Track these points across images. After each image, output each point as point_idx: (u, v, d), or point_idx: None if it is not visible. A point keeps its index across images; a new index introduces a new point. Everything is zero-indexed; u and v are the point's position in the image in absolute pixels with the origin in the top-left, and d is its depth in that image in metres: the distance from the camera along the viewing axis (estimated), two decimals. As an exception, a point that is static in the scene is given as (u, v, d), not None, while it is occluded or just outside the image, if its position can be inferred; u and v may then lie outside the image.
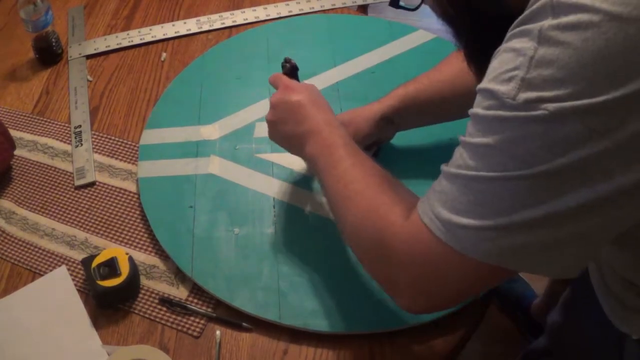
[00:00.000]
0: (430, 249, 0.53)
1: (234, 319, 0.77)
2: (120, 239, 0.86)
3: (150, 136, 0.97)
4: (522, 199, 0.47)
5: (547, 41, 0.45)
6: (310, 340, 0.75)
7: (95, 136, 0.99)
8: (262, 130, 0.97)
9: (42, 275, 0.83)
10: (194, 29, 1.17)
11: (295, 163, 0.93)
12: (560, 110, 0.44)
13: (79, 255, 0.84)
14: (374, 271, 0.63)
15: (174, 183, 0.91)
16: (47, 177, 0.95)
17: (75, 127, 1.01)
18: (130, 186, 0.92)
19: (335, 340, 0.75)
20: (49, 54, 1.11)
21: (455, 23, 0.60)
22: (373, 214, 0.61)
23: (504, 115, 0.47)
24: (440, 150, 0.93)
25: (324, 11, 1.19)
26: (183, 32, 1.16)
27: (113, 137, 0.99)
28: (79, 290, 0.81)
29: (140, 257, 0.84)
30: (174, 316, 0.78)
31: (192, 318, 0.78)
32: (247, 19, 1.18)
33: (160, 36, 1.15)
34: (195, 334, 0.76)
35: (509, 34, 0.49)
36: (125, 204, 0.90)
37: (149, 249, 0.85)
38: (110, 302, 0.79)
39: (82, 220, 0.89)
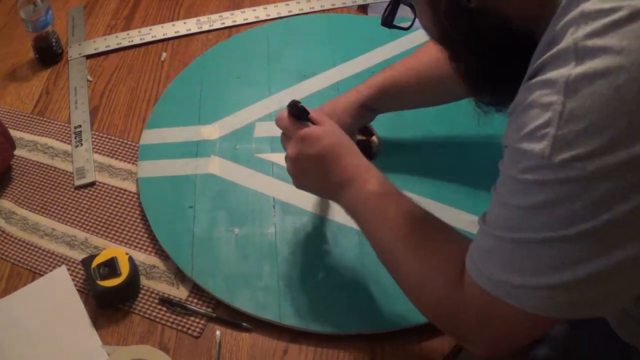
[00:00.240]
0: (490, 307, 0.53)
1: (234, 319, 0.77)
2: (120, 239, 0.86)
3: (150, 136, 0.97)
4: (570, 257, 0.47)
5: (575, 93, 0.43)
6: (310, 340, 0.75)
7: (95, 136, 0.99)
8: (262, 130, 0.97)
9: (42, 275, 0.83)
10: (194, 29, 1.16)
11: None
12: (599, 169, 0.43)
13: (79, 255, 0.84)
14: (439, 326, 0.62)
15: (174, 183, 0.91)
16: (47, 177, 0.94)
17: (75, 127, 1.01)
18: (130, 186, 0.92)
19: (335, 340, 0.75)
20: (49, 54, 1.11)
21: (454, 44, 0.59)
22: (426, 286, 0.60)
23: (541, 179, 0.46)
24: (438, 149, 0.93)
25: (324, 11, 1.19)
26: (183, 32, 1.16)
27: (113, 137, 0.99)
28: (79, 290, 0.81)
29: (140, 257, 0.84)
30: (174, 316, 0.78)
31: (192, 318, 0.78)
32: (247, 19, 1.18)
33: (160, 36, 1.15)
34: (195, 334, 0.76)
35: (529, 83, 0.48)
36: (125, 204, 0.90)
37: (149, 249, 0.85)
38: (110, 302, 0.79)
39: (82, 220, 0.89)
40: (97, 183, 0.93)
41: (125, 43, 1.15)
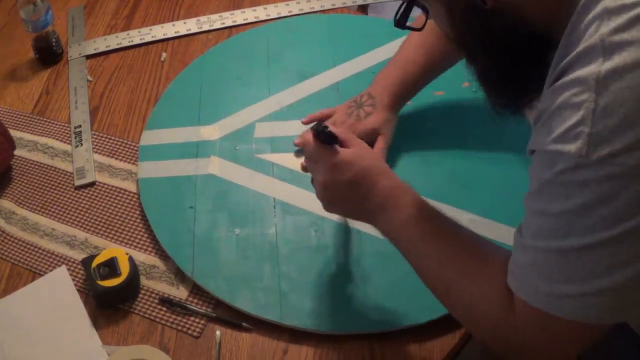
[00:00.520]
0: (543, 323, 0.52)
1: (234, 319, 0.77)
2: (120, 239, 0.86)
3: (150, 136, 0.97)
4: (619, 258, 0.46)
5: (605, 89, 0.43)
6: (310, 340, 0.75)
7: (95, 136, 0.99)
8: (262, 130, 0.97)
9: (42, 275, 0.83)
10: (194, 29, 1.17)
11: (295, 163, 0.93)
12: (639, 162, 0.43)
13: (79, 255, 0.84)
14: (493, 347, 0.60)
15: (174, 183, 0.91)
16: (47, 177, 0.95)
17: (75, 127, 1.01)
18: (130, 186, 0.92)
19: (335, 340, 0.75)
20: (49, 54, 1.11)
21: (470, 45, 0.58)
22: (478, 311, 0.59)
23: (581, 179, 0.45)
24: (439, 149, 0.93)
25: (324, 11, 1.19)
26: (183, 32, 1.16)
27: (113, 137, 0.99)
28: (79, 290, 0.81)
29: (140, 257, 0.84)
30: (174, 316, 0.78)
31: (192, 318, 0.78)
32: (247, 19, 1.18)
33: (160, 36, 1.15)
34: (195, 334, 0.76)
35: (555, 84, 0.47)
36: (125, 204, 0.90)
37: (149, 249, 0.85)
38: (110, 302, 0.79)
39: (82, 220, 0.89)
40: (97, 183, 0.93)
41: (125, 43, 1.15)
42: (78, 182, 0.93)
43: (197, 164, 0.93)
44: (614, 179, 0.44)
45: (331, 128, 0.67)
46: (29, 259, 0.85)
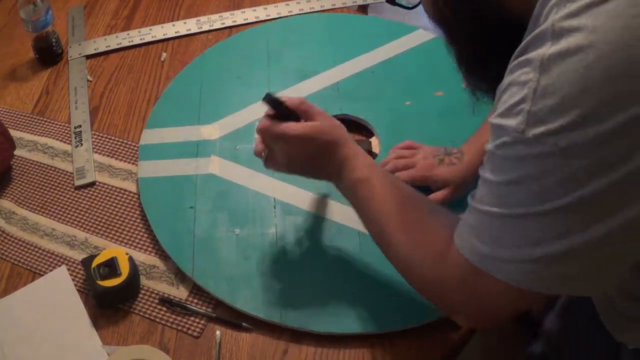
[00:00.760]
0: (474, 280, 0.55)
1: (234, 319, 0.77)
2: (120, 239, 0.86)
3: (150, 136, 0.97)
4: (549, 232, 0.48)
5: (548, 71, 0.45)
6: (310, 340, 0.75)
7: (95, 136, 0.99)
8: (262, 130, 0.97)
9: (42, 275, 0.83)
10: (194, 29, 1.16)
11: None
12: (570, 144, 0.44)
13: (79, 255, 0.84)
14: (427, 297, 0.65)
15: (174, 183, 0.91)
16: (47, 177, 0.94)
17: (75, 127, 1.01)
18: (130, 186, 0.92)
19: (335, 340, 0.75)
20: (49, 54, 1.11)
21: (451, 27, 0.60)
22: (414, 260, 0.63)
23: (517, 153, 0.48)
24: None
25: (324, 11, 1.19)
26: (183, 32, 1.16)
27: (113, 137, 0.99)
28: (79, 290, 0.81)
29: (140, 257, 0.84)
30: (174, 316, 0.78)
31: (192, 318, 0.78)
32: (247, 19, 1.18)
33: (160, 36, 1.15)
34: (195, 334, 0.76)
35: (512, 64, 0.49)
36: (125, 204, 0.90)
37: (149, 249, 0.85)
38: (110, 302, 0.79)
39: (82, 220, 0.89)
40: (97, 183, 0.93)
41: (125, 43, 1.15)
42: (78, 182, 0.93)
43: (197, 163, 0.93)
44: (547, 158, 0.46)
45: (287, 100, 0.72)
46: (29, 259, 0.85)
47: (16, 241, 0.87)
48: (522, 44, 0.48)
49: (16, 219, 0.89)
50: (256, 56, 1.09)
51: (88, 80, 1.09)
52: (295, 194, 0.89)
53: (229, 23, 1.17)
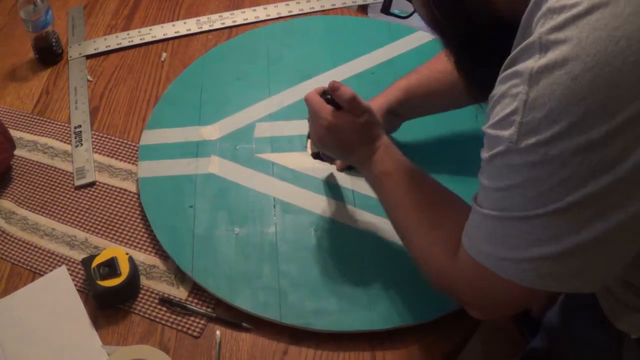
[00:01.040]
0: (481, 277, 0.57)
1: (234, 319, 0.77)
2: (120, 239, 0.86)
3: (151, 136, 0.97)
4: (544, 234, 0.50)
5: (537, 83, 0.47)
6: (310, 340, 0.75)
7: (95, 136, 0.99)
8: (263, 130, 0.97)
9: (42, 275, 0.83)
10: (194, 29, 1.17)
11: (295, 163, 0.93)
12: (560, 153, 0.47)
13: (79, 255, 0.84)
14: (442, 292, 0.67)
15: (174, 183, 0.91)
16: (47, 177, 0.94)
17: (75, 127, 1.01)
18: (130, 186, 0.92)
19: (335, 340, 0.75)
20: (49, 54, 1.11)
21: (445, 32, 0.61)
22: (430, 256, 0.66)
23: (510, 162, 0.50)
24: (439, 147, 0.93)
25: (324, 11, 1.19)
26: (183, 32, 1.16)
27: (113, 137, 0.99)
28: (79, 290, 0.81)
29: (140, 257, 0.84)
30: (174, 316, 0.78)
31: (192, 318, 0.78)
32: (247, 19, 1.18)
33: (160, 36, 1.15)
34: (195, 334, 0.76)
35: (502, 75, 0.51)
36: (125, 204, 0.90)
37: (149, 249, 0.85)
38: (110, 302, 0.79)
39: (82, 220, 0.89)
40: (97, 183, 0.93)
41: (125, 43, 1.15)
42: (78, 182, 0.93)
43: (197, 163, 0.93)
44: (539, 166, 0.48)
45: (339, 88, 0.74)
46: (29, 259, 0.85)
47: (16, 241, 0.87)
48: (512, 54, 0.50)
49: (16, 219, 0.89)
50: (256, 57, 1.09)
51: (88, 80, 1.09)
52: (295, 193, 0.89)
53: (229, 23, 1.17)
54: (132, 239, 0.86)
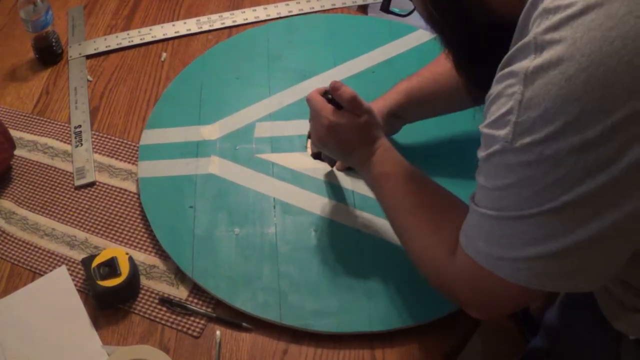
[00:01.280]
0: (479, 276, 0.58)
1: (234, 319, 0.77)
2: (120, 239, 0.86)
3: (151, 136, 0.97)
4: (539, 234, 0.51)
5: (532, 83, 0.47)
6: (310, 340, 0.75)
7: (95, 136, 0.99)
8: (263, 130, 0.97)
9: (42, 275, 0.83)
10: (194, 29, 1.16)
11: (295, 163, 0.93)
12: (555, 153, 0.47)
13: (79, 255, 0.84)
14: (440, 292, 0.67)
15: (174, 183, 0.91)
16: (47, 177, 0.94)
17: (75, 127, 1.01)
18: (130, 186, 0.92)
19: (335, 340, 0.75)
20: (49, 54, 1.11)
21: (443, 30, 0.62)
22: (429, 256, 0.66)
23: (506, 161, 0.50)
24: (438, 149, 0.93)
25: (324, 11, 1.19)
26: (183, 32, 1.16)
27: (113, 137, 0.99)
28: (79, 290, 0.81)
29: (140, 257, 0.84)
30: (174, 316, 0.78)
31: (192, 318, 0.78)
32: (247, 19, 1.18)
33: (160, 36, 1.15)
34: (195, 334, 0.76)
35: (499, 74, 0.51)
36: (125, 204, 0.90)
37: (149, 249, 0.85)
38: (110, 302, 0.79)
39: (82, 220, 0.89)
40: (97, 183, 0.93)
41: (125, 43, 1.15)
42: (78, 182, 0.93)
43: (197, 163, 0.93)
44: (534, 166, 0.48)
45: (339, 88, 0.74)
46: (29, 259, 0.85)
47: (16, 241, 0.87)
48: (508, 54, 0.50)
49: (16, 219, 0.89)
50: (256, 57, 1.09)
51: (88, 80, 1.09)
52: (295, 193, 0.89)
53: (229, 23, 1.17)
54: (132, 239, 0.86)
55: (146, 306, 0.79)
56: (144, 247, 0.85)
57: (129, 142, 0.98)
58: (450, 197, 0.70)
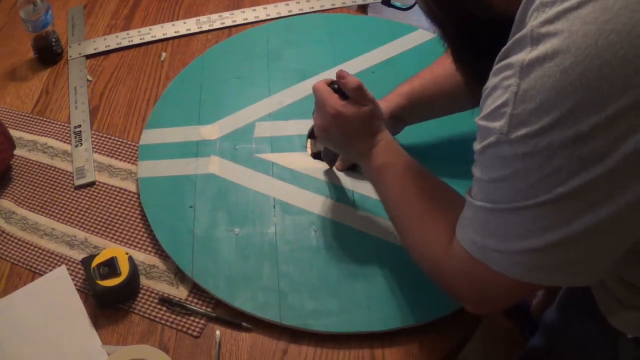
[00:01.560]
0: (474, 269, 0.58)
1: (234, 319, 0.77)
2: (120, 239, 0.86)
3: (151, 136, 0.97)
4: (535, 226, 0.51)
5: (528, 75, 0.47)
6: (310, 340, 0.75)
7: (95, 136, 0.99)
8: (263, 130, 0.97)
9: (42, 275, 0.83)
10: (194, 29, 1.16)
11: (295, 163, 0.93)
12: (550, 145, 0.47)
13: (79, 255, 0.84)
14: (437, 284, 0.67)
15: (174, 183, 0.91)
16: (47, 177, 0.94)
17: (75, 127, 1.01)
18: (130, 186, 0.92)
19: (335, 340, 0.75)
20: (49, 54, 1.11)
21: (443, 25, 0.62)
22: (427, 249, 0.67)
23: (501, 154, 0.51)
24: (439, 149, 0.93)
25: (324, 11, 1.19)
26: (183, 32, 1.16)
27: (113, 137, 0.99)
28: (79, 290, 0.81)
29: (140, 257, 0.84)
30: (174, 316, 0.78)
31: (192, 318, 0.78)
32: (247, 19, 1.18)
33: (160, 36, 1.15)
34: (195, 334, 0.76)
35: (496, 67, 0.52)
36: (125, 204, 0.90)
37: (149, 249, 0.85)
38: (110, 302, 0.79)
39: (82, 220, 0.89)
40: (97, 183, 0.93)
41: (125, 43, 1.15)
42: (78, 182, 0.93)
43: (197, 163, 0.93)
44: (529, 158, 0.48)
45: (345, 77, 0.75)
46: (29, 259, 0.85)
47: (16, 241, 0.87)
48: (505, 47, 0.51)
49: (16, 219, 0.89)
50: (256, 56, 1.09)
51: (88, 80, 1.09)
52: (295, 193, 0.89)
53: (229, 23, 1.17)
54: (132, 239, 0.86)
55: (146, 306, 0.79)
56: (144, 247, 0.85)
57: (129, 142, 0.98)
58: (450, 191, 0.70)
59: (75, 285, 0.81)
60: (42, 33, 1.08)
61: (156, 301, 0.80)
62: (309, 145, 0.95)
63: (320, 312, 0.76)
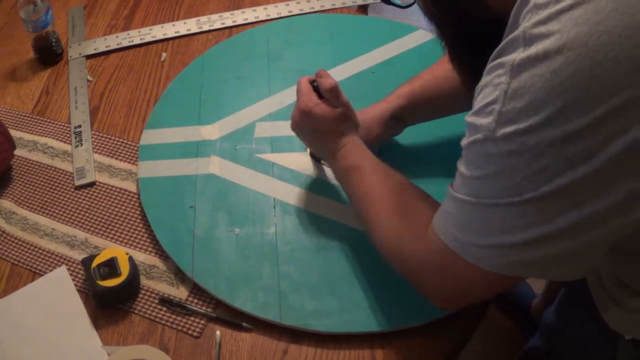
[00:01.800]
0: (449, 261, 0.58)
1: (234, 319, 0.77)
2: (120, 239, 0.86)
3: (151, 136, 0.97)
4: (518, 222, 0.51)
5: (518, 74, 0.47)
6: (310, 340, 0.75)
7: (95, 136, 0.99)
8: (263, 130, 0.97)
9: (42, 275, 0.83)
10: (194, 29, 1.17)
11: (295, 163, 0.93)
12: (537, 143, 0.47)
13: (79, 255, 0.84)
14: (405, 278, 0.68)
15: (174, 183, 0.91)
16: (47, 177, 0.95)
17: (75, 127, 1.01)
18: (130, 186, 0.92)
19: (335, 340, 0.75)
20: (49, 54, 1.11)
21: (440, 23, 0.63)
22: (397, 243, 0.67)
23: (487, 151, 0.51)
24: (439, 149, 0.93)
25: (324, 11, 1.19)
26: (183, 32, 1.16)
27: (113, 137, 0.99)
28: (79, 290, 0.81)
29: (140, 257, 0.84)
30: (174, 316, 0.78)
31: (192, 318, 0.78)
32: (247, 19, 1.18)
33: (160, 36, 1.15)
34: (195, 334, 0.76)
35: (489, 66, 0.52)
36: (125, 204, 0.90)
37: (149, 249, 0.85)
38: (110, 302, 0.79)
39: (82, 220, 0.89)
40: (97, 183, 0.93)
41: (125, 43, 1.15)
42: (78, 182, 0.93)
43: (197, 163, 0.93)
44: (515, 156, 0.49)
45: (322, 77, 0.78)
46: (29, 259, 0.85)
47: (16, 241, 0.87)
48: (498, 47, 0.51)
49: (16, 219, 0.89)
50: (256, 56, 1.09)
51: (88, 80, 1.09)
52: (295, 193, 0.89)
53: (229, 23, 1.17)
54: (132, 239, 0.86)
55: (146, 306, 0.79)
56: (144, 247, 0.85)
57: (129, 142, 0.98)
58: (418, 190, 0.71)
59: (75, 285, 0.81)
60: (42, 33, 1.08)
61: (156, 301, 0.80)
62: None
63: (320, 312, 0.76)
